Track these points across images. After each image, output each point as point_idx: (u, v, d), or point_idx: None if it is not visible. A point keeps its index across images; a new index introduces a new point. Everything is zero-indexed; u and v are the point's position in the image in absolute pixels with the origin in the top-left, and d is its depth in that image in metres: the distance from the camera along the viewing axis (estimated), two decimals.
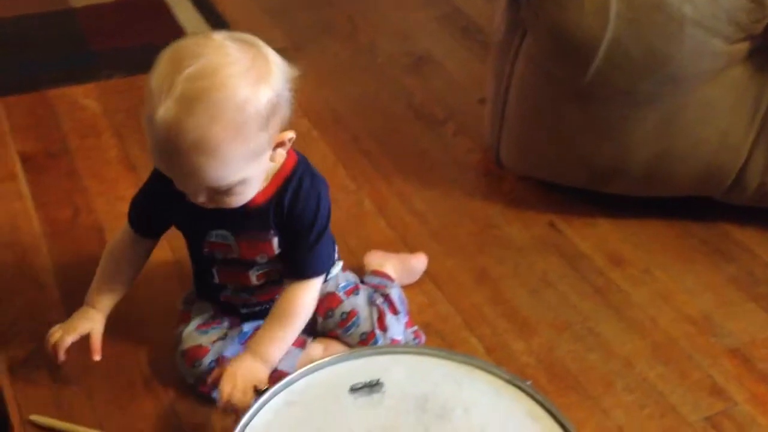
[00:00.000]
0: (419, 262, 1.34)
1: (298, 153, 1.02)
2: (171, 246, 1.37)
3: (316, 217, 1.00)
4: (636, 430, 1.12)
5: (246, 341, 1.09)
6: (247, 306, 1.12)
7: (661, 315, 1.29)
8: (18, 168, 1.54)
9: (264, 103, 0.83)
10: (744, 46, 1.28)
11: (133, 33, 1.99)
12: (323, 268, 1.04)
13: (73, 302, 1.27)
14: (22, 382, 1.14)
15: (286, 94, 0.89)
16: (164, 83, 0.80)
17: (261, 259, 1.04)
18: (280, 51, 0.94)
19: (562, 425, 0.88)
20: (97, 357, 1.07)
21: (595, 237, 1.44)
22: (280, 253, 1.03)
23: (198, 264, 1.10)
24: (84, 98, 1.75)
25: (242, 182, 0.88)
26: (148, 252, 1.13)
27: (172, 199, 0.96)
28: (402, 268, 1.30)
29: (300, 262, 1.02)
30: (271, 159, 0.93)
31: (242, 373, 0.97)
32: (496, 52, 1.50)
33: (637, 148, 1.37)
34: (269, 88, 0.84)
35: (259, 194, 0.96)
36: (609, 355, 1.22)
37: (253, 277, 1.07)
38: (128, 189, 1.50)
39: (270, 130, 0.87)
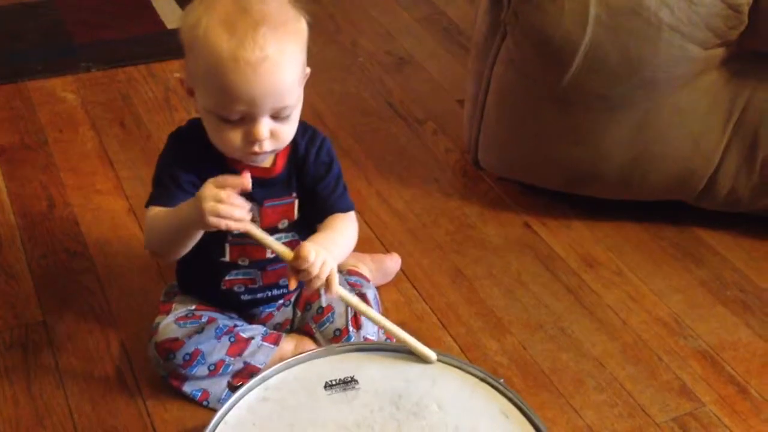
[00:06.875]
0: (393, 262, 1.34)
1: None
2: None
3: (332, 158, 1.09)
4: (606, 429, 1.13)
5: (222, 335, 1.10)
6: (250, 291, 1.12)
7: (632, 316, 1.31)
8: None
9: (305, 26, 0.99)
10: (719, 52, 1.30)
11: (113, 26, 1.98)
12: (353, 206, 1.10)
13: (47, 294, 1.27)
14: None
15: None
16: (240, 22, 0.92)
17: (282, 225, 1.08)
18: None
19: (533, 423, 0.90)
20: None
21: (570, 239, 1.46)
22: (299, 219, 1.08)
23: (207, 244, 1.07)
24: (62, 91, 1.74)
25: (296, 104, 0.98)
26: None
27: (196, 173, 1.01)
28: (376, 268, 1.31)
29: (335, 199, 1.08)
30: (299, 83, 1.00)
31: (317, 249, 0.95)
32: (476, 54, 1.51)
33: (611, 152, 1.39)
34: (304, 19, 0.99)
35: (278, 163, 1.05)
36: (581, 355, 1.24)
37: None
38: (105, 183, 1.50)
39: (305, 54, 0.99)
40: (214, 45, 0.92)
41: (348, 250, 1.06)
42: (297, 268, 0.94)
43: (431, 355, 0.97)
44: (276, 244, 0.96)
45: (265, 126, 0.96)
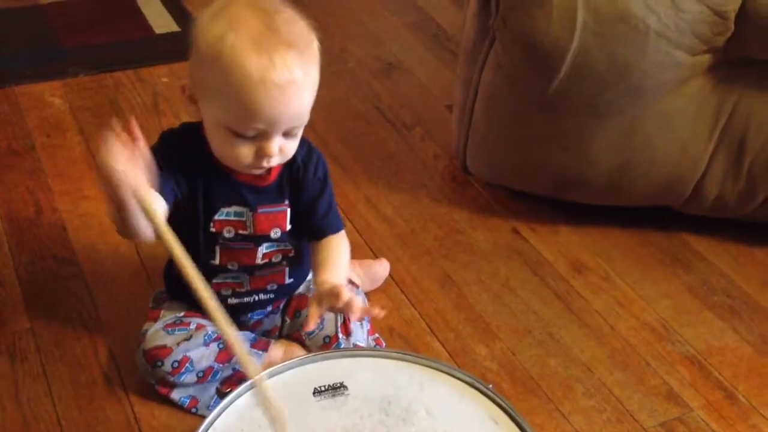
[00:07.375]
0: (382, 268, 1.35)
1: None
2: (138, 247, 1.36)
3: (326, 174, 1.09)
4: None
5: (210, 342, 1.09)
6: (237, 295, 1.12)
7: (620, 322, 1.32)
8: None
9: (318, 45, 0.99)
10: (706, 59, 1.31)
11: (101, 30, 1.97)
12: (343, 224, 1.13)
13: (34, 301, 1.26)
14: None
15: None
16: (269, 42, 0.92)
17: (274, 234, 1.08)
18: None
19: (523, 429, 0.90)
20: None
21: (558, 244, 1.46)
22: (291, 229, 1.08)
23: (197, 247, 1.07)
24: (50, 96, 1.73)
25: (304, 123, 0.99)
26: None
27: (188, 175, 1.02)
28: (365, 274, 1.31)
29: (330, 218, 1.10)
30: None
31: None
32: (465, 60, 1.51)
33: (599, 158, 1.40)
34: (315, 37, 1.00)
35: (272, 172, 1.05)
36: (569, 360, 1.24)
37: (260, 255, 1.09)
38: (93, 188, 1.49)
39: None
40: (242, 63, 0.91)
41: (348, 267, 1.09)
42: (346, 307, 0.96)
43: (254, 375, 0.85)
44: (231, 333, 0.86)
45: (276, 143, 0.97)
